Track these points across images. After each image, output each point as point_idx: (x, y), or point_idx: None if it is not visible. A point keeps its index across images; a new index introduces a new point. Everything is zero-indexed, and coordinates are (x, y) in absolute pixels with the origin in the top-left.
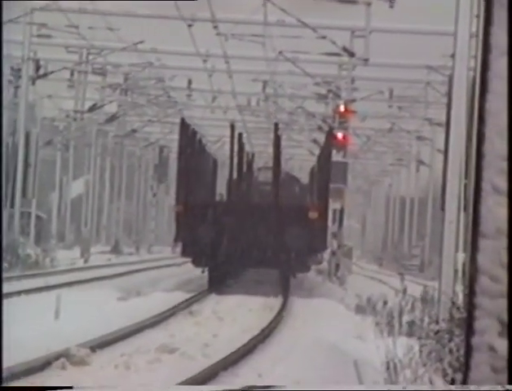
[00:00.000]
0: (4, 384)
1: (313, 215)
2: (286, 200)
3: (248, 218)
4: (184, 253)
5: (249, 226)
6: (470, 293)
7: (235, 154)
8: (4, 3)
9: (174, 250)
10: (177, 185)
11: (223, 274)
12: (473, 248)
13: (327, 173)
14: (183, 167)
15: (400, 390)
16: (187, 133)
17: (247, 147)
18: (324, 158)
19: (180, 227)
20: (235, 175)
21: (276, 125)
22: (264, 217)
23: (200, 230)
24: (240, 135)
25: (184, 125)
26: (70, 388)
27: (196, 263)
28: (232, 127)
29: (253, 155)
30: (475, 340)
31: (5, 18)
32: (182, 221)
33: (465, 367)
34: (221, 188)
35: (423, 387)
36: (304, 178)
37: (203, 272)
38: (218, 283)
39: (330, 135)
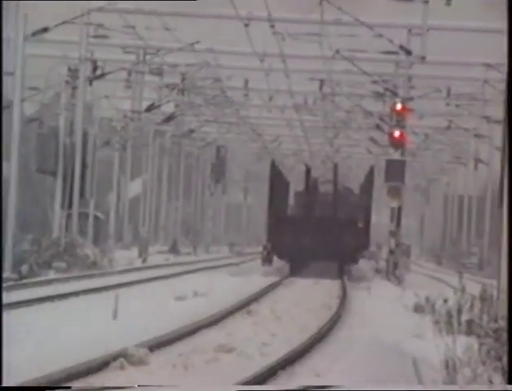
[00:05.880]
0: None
1: (360, 225)
2: (342, 210)
3: (316, 227)
4: (273, 251)
5: (317, 232)
6: None
7: (306, 181)
8: (59, 4)
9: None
10: (268, 205)
11: (300, 265)
12: None
13: (369, 198)
14: (273, 193)
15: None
16: (275, 170)
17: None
18: (367, 188)
19: (270, 233)
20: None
21: (336, 165)
22: (327, 226)
23: (284, 235)
24: (309, 169)
25: (273, 165)
26: (68, 388)
27: (280, 257)
28: (307, 169)
29: (316, 178)
30: None
31: (62, 19)
32: (272, 230)
33: None
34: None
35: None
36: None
37: (286, 263)
38: (296, 271)
39: (372, 171)
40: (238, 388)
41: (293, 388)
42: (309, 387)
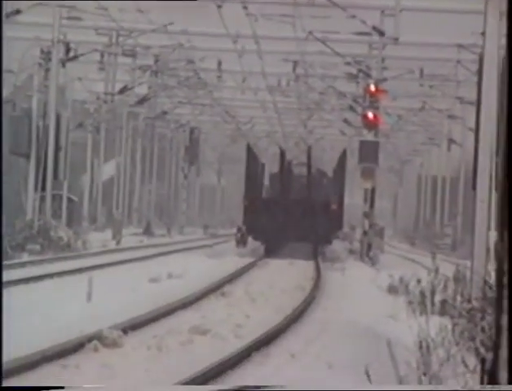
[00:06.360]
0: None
1: (333, 207)
2: (316, 192)
3: (290, 209)
4: (248, 232)
5: (291, 214)
6: (499, 272)
7: (280, 163)
8: None
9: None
10: (245, 187)
11: (274, 246)
12: (502, 227)
13: (342, 180)
14: (249, 175)
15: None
16: (251, 153)
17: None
18: (340, 170)
19: (246, 215)
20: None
21: (309, 147)
22: (301, 208)
23: (260, 217)
24: (284, 152)
25: (249, 148)
26: (62, 388)
27: (255, 238)
28: (282, 152)
29: (291, 161)
30: (505, 320)
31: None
32: (247, 211)
33: (496, 346)
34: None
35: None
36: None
37: (262, 244)
38: (271, 252)
39: (345, 154)
40: (168, 389)
41: (230, 387)
42: (246, 387)
